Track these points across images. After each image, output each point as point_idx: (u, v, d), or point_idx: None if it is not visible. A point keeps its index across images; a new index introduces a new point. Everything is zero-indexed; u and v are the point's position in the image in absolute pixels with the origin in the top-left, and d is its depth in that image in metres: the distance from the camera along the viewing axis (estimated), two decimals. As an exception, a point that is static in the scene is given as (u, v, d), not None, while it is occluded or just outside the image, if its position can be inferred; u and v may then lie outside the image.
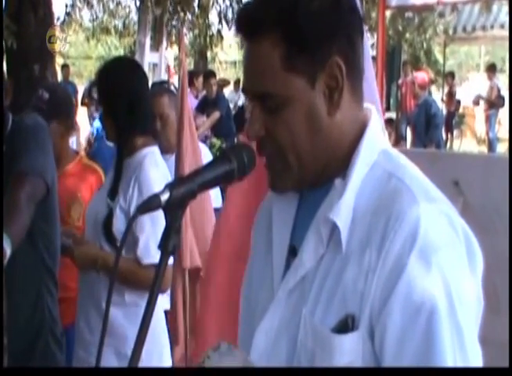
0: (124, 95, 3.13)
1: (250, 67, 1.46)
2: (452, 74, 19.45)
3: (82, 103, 16.11)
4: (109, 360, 2.97)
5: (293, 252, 1.49)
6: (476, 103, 18.20)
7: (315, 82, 1.41)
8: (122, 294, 3.09)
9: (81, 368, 3.15)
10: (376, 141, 1.47)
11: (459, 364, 1.31)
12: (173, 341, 3.62)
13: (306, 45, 1.40)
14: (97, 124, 11.51)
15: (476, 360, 1.35)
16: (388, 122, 11.79)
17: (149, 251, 3.00)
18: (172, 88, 10.28)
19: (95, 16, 18.28)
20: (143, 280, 2.98)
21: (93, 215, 3.19)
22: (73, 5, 17.26)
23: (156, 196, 1.32)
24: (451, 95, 18.20)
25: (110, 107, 3.16)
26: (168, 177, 3.23)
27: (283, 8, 1.41)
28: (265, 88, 1.42)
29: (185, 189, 1.35)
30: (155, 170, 3.14)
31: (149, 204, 1.33)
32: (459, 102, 18.79)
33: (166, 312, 3.42)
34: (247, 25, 1.44)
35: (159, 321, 3.20)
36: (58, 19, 16.04)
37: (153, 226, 2.93)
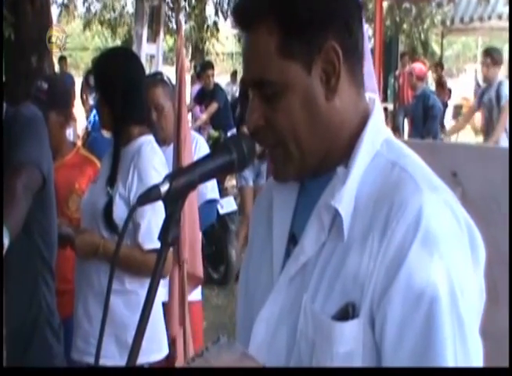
0: (121, 83, 3.16)
1: (247, 56, 1.46)
2: (441, 65, 19.32)
3: (81, 97, 16.05)
4: (110, 349, 2.99)
5: (293, 240, 1.48)
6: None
7: (311, 68, 1.41)
8: (123, 281, 3.11)
9: (81, 368, 3.15)
10: (378, 131, 1.47)
11: (460, 355, 1.31)
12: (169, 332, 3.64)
13: (301, 31, 1.40)
14: (95, 112, 11.49)
15: (476, 351, 1.35)
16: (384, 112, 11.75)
17: (151, 236, 3.03)
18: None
19: (93, 10, 18.22)
20: (146, 265, 3.01)
21: (90, 205, 3.20)
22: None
23: (156, 187, 1.32)
24: (441, 85, 18.11)
25: (107, 95, 3.18)
26: (166, 165, 3.25)
27: None
28: (262, 75, 1.42)
29: (185, 180, 1.35)
30: (154, 157, 3.18)
31: (149, 195, 1.33)
32: (450, 92, 18.67)
33: (164, 304, 3.43)
34: (243, 14, 1.45)
35: (158, 311, 3.21)
36: (57, 7, 16.07)
37: (153, 212, 2.95)
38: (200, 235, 3.76)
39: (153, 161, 3.15)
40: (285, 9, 1.40)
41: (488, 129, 8.68)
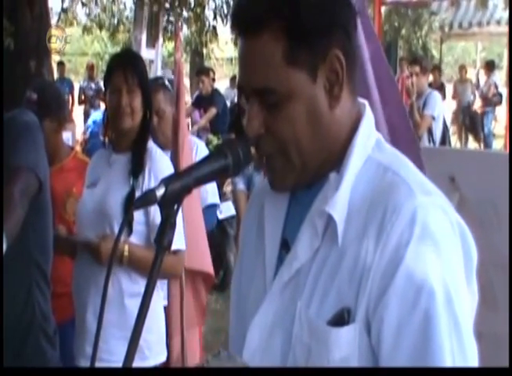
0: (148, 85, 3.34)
1: (249, 63, 1.43)
2: (439, 68, 19.26)
3: (79, 101, 16.04)
4: (122, 352, 2.96)
5: (285, 246, 1.48)
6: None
7: (316, 76, 1.40)
8: (138, 284, 3.09)
9: (80, 368, 3.13)
10: (369, 135, 1.47)
11: (457, 352, 1.32)
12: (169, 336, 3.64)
13: (307, 38, 1.38)
14: (93, 118, 11.47)
15: (472, 349, 1.35)
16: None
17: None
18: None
19: (93, 15, 18.23)
20: (169, 267, 2.98)
21: (97, 206, 3.18)
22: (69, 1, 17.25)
23: (152, 191, 1.32)
24: (438, 89, 18.09)
25: (146, 95, 3.28)
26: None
27: (283, 1, 1.39)
28: (266, 83, 1.40)
29: (180, 185, 1.35)
30: (164, 160, 3.30)
31: (145, 199, 1.33)
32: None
33: (165, 308, 3.43)
34: (246, 20, 1.42)
35: (160, 313, 3.19)
36: (56, 14, 16.09)
37: None
38: (205, 234, 3.75)
39: (166, 164, 3.27)
40: (290, 15, 1.38)
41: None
